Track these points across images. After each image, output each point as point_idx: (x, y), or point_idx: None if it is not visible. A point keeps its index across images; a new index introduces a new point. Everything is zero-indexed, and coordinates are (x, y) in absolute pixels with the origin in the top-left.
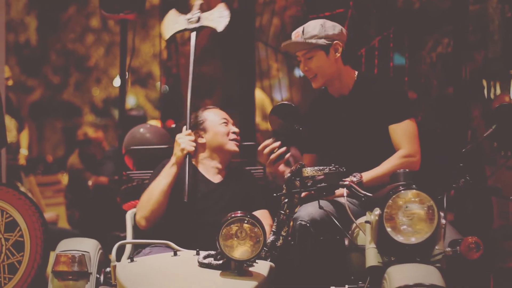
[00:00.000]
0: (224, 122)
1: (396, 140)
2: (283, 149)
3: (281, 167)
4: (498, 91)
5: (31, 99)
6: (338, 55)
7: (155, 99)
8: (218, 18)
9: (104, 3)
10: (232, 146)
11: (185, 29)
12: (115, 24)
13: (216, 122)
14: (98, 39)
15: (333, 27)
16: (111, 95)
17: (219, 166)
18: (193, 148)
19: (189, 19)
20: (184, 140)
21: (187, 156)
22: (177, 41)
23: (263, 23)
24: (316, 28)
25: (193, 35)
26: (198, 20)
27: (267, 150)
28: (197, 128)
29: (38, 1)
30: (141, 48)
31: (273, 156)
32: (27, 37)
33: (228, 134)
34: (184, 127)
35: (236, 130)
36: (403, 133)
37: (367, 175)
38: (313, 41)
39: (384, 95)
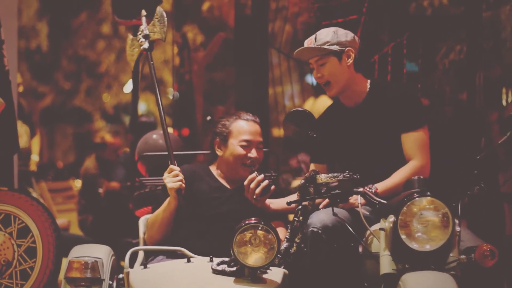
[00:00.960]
0: (245, 145)
1: (408, 149)
2: (266, 182)
3: (274, 204)
4: (511, 98)
5: (42, 105)
6: (351, 61)
7: (166, 105)
8: (159, 27)
9: (117, 9)
10: (241, 173)
11: (141, 52)
12: (126, 30)
13: (237, 141)
14: (109, 45)
15: (345, 34)
16: (121, 102)
17: (232, 178)
18: (180, 184)
19: (139, 40)
20: (169, 180)
21: (179, 192)
22: (190, 47)
23: (275, 29)
24: (328, 35)
25: (149, 55)
26: (146, 37)
27: (253, 184)
28: (220, 137)
29: (50, 7)
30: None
31: (258, 190)
32: (38, 43)
33: (243, 159)
34: (169, 162)
35: (254, 155)
36: (415, 143)
37: (381, 186)
38: (326, 47)
39: (397, 102)
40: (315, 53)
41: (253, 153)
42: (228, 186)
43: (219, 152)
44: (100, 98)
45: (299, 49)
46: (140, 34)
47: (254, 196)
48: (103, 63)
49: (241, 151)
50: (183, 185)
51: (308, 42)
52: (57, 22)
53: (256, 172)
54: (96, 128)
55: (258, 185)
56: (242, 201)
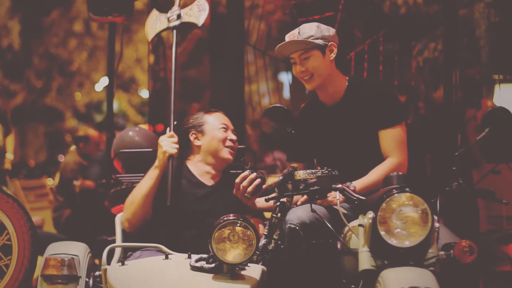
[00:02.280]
0: (223, 128)
1: (386, 146)
2: (258, 180)
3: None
4: (484, 96)
5: (14, 103)
6: (334, 56)
7: (138, 104)
8: (198, 13)
9: (93, 6)
10: (226, 154)
11: (167, 28)
12: (98, 28)
13: (215, 126)
14: (81, 43)
15: (327, 29)
16: (93, 100)
17: (212, 171)
18: (176, 151)
19: (169, 17)
20: (166, 143)
21: (170, 159)
22: (165, 44)
23: (250, 27)
24: (312, 29)
25: (174, 33)
26: (178, 17)
27: (245, 182)
28: (195, 129)
29: (21, 5)
30: (124, 52)
31: (250, 188)
32: (10, 41)
33: (225, 141)
34: (168, 129)
35: (234, 137)
36: (392, 139)
37: (358, 184)
38: (311, 40)
39: (374, 100)
40: (299, 47)
41: (232, 136)
42: (206, 182)
43: (197, 142)
44: (72, 96)
45: (282, 43)
46: (173, 11)
47: (246, 194)
48: (75, 61)
49: (222, 133)
50: (176, 152)
51: (291, 37)
52: (28, 20)
53: (248, 170)
54: (67, 126)
55: (250, 183)
56: (221, 197)
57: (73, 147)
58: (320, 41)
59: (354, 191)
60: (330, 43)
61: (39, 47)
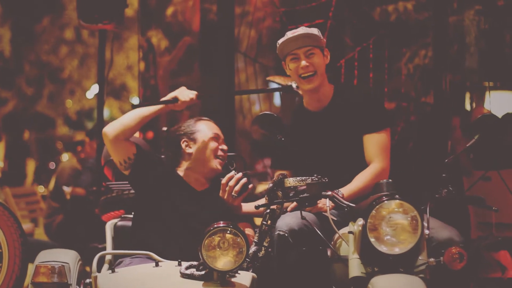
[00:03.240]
0: (215, 137)
1: (369, 151)
2: (245, 179)
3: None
4: (474, 103)
5: (5, 110)
6: (327, 60)
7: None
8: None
9: (83, 14)
10: (216, 164)
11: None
12: (89, 35)
13: (207, 135)
14: (72, 50)
15: (322, 35)
16: (84, 107)
17: (202, 179)
18: (194, 96)
19: None
20: (186, 93)
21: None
22: (155, 52)
23: (241, 34)
24: (314, 30)
25: None
26: None
27: (232, 181)
28: (187, 137)
29: (12, 12)
30: (115, 60)
31: (237, 187)
32: (0, 48)
33: (216, 151)
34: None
35: (225, 147)
36: (376, 145)
37: (346, 191)
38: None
39: (360, 105)
40: (310, 42)
41: (223, 146)
42: (195, 188)
43: (189, 150)
44: (63, 103)
45: (295, 34)
46: None
47: (233, 193)
48: (66, 68)
49: (214, 143)
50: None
51: (298, 32)
52: (19, 27)
53: (234, 170)
54: (59, 134)
55: (236, 183)
56: (210, 203)
57: (64, 155)
58: (323, 41)
59: (343, 198)
60: (325, 48)
61: (30, 54)
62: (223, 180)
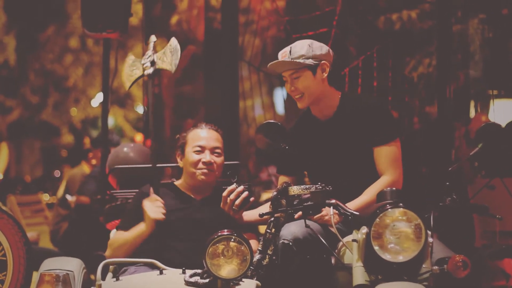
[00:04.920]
0: (198, 150)
1: (381, 164)
2: (246, 193)
3: (245, 215)
4: (479, 111)
5: (10, 119)
6: (325, 75)
7: (134, 119)
8: (170, 58)
9: (87, 22)
10: (199, 176)
11: (142, 76)
12: (94, 44)
13: (190, 148)
14: (76, 59)
15: (320, 48)
16: (89, 116)
17: (197, 189)
18: (163, 216)
19: (144, 64)
20: (152, 209)
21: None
22: None
23: (245, 43)
24: (303, 48)
25: (149, 83)
26: (152, 64)
27: (233, 195)
28: (179, 150)
29: (17, 21)
30: (120, 68)
31: (238, 201)
32: (5, 57)
33: (197, 164)
34: (151, 190)
35: (207, 159)
36: (387, 157)
37: (353, 206)
38: (301, 61)
39: (368, 115)
40: (289, 67)
41: (206, 157)
42: (194, 197)
43: (180, 164)
44: (68, 112)
45: (272, 62)
46: (147, 58)
47: (234, 207)
48: (70, 77)
49: (195, 157)
50: (164, 216)
51: (283, 55)
52: (24, 36)
53: (235, 183)
54: (63, 142)
55: (237, 196)
56: (210, 211)
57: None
58: (310, 61)
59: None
60: (322, 62)
61: (35, 63)
62: (224, 193)
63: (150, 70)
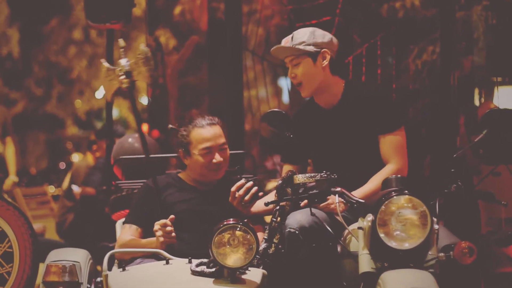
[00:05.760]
0: (207, 152)
1: (385, 152)
2: (255, 188)
3: (253, 208)
4: (483, 98)
5: (14, 111)
6: (326, 63)
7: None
8: (144, 69)
9: (90, 14)
10: (211, 176)
11: (120, 87)
12: (98, 35)
13: (197, 150)
14: (80, 51)
15: (322, 35)
16: (94, 107)
17: (203, 182)
18: (174, 240)
19: (120, 76)
20: (162, 234)
21: None
22: (163, 51)
23: (249, 32)
24: (305, 35)
25: (130, 91)
26: (128, 75)
27: (242, 191)
28: (182, 148)
29: (20, 13)
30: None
31: (247, 196)
32: (9, 49)
33: (209, 165)
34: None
35: (219, 159)
36: (392, 145)
37: (358, 194)
38: (301, 47)
39: (373, 104)
40: (289, 53)
41: (217, 158)
42: (199, 188)
43: (185, 162)
44: (72, 104)
45: (274, 47)
46: (119, 69)
47: (243, 203)
48: (74, 69)
49: (204, 159)
50: (174, 240)
51: (285, 41)
52: (28, 28)
53: (244, 178)
54: (68, 134)
55: (246, 192)
56: (216, 201)
57: (74, 155)
58: (311, 48)
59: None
60: (323, 49)
61: (39, 55)
62: (233, 188)
63: (127, 84)
